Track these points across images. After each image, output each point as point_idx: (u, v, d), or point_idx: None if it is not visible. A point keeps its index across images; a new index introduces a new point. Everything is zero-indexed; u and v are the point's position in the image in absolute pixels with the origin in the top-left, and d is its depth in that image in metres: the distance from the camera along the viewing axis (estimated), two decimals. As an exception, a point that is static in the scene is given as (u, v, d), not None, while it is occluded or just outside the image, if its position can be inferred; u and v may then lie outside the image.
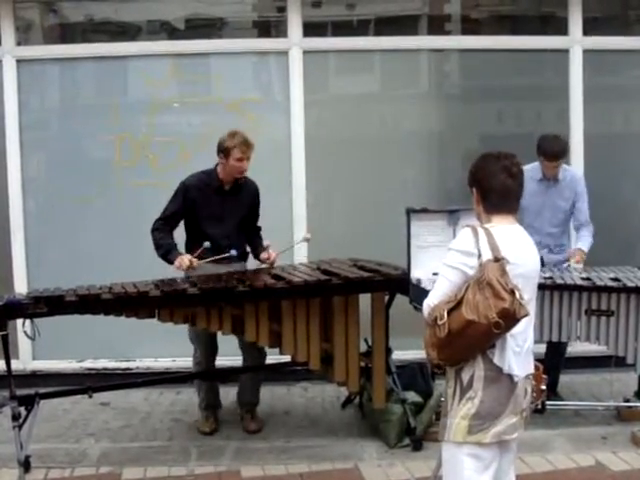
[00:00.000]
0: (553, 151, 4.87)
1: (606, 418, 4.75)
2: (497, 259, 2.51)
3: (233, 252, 4.62)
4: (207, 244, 4.54)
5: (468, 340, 2.51)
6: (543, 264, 4.85)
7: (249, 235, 4.86)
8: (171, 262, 4.53)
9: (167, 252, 4.58)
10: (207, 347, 4.78)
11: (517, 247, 2.63)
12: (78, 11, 5.85)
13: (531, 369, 2.74)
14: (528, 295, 2.63)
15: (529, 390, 2.73)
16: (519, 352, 2.65)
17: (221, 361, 5.05)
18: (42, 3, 5.85)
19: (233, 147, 4.56)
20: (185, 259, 4.48)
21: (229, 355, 5.09)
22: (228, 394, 5.11)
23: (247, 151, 4.59)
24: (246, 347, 4.72)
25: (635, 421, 4.61)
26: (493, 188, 2.67)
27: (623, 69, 5.89)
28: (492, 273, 2.48)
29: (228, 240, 4.66)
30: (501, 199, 2.67)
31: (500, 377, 2.61)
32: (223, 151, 4.60)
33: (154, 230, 4.65)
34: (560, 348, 4.96)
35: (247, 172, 4.70)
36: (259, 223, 4.92)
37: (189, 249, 4.65)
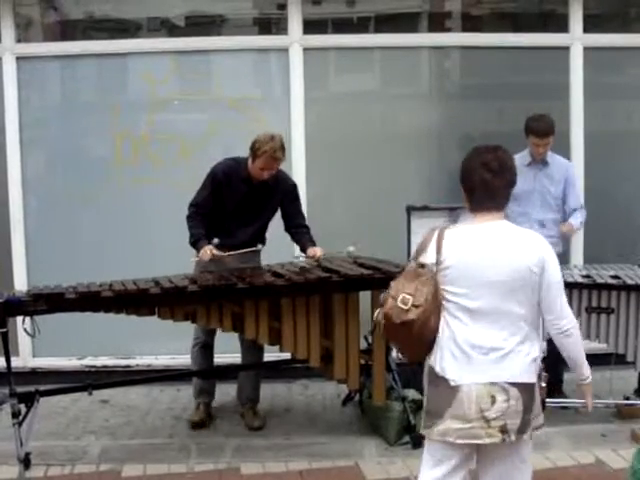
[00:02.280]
0: (541, 128, 4.90)
1: (606, 416, 4.75)
2: (421, 265, 2.67)
3: (260, 246, 4.62)
4: (216, 241, 4.52)
5: (398, 338, 2.75)
6: None
7: (293, 232, 4.83)
8: (198, 251, 4.57)
9: (195, 241, 4.60)
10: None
11: (469, 250, 2.61)
12: (78, 8, 5.85)
13: (502, 377, 2.62)
14: (486, 300, 2.60)
15: (499, 399, 2.61)
16: (463, 358, 2.62)
17: (220, 358, 5.06)
18: (42, 0, 5.84)
19: (261, 155, 4.50)
20: (207, 252, 4.48)
21: (228, 352, 5.10)
22: (229, 392, 5.11)
23: (271, 164, 4.53)
24: (246, 344, 4.72)
25: (635, 419, 4.62)
26: (473, 185, 2.67)
27: (624, 66, 5.88)
28: (399, 277, 2.74)
29: (249, 234, 4.67)
30: (482, 195, 2.65)
31: (437, 378, 2.67)
32: (252, 150, 4.55)
33: (187, 217, 4.67)
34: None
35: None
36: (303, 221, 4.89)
37: (209, 236, 4.63)
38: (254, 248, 4.66)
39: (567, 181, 5.06)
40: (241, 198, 4.66)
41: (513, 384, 2.63)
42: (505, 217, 2.69)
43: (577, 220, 5.09)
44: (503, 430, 2.61)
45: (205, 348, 4.85)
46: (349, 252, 4.70)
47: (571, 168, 5.11)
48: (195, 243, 4.60)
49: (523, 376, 2.64)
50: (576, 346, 2.74)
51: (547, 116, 5.02)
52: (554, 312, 2.66)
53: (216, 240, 4.53)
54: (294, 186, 4.87)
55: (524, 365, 2.64)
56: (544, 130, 4.91)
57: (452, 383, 2.62)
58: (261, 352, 4.80)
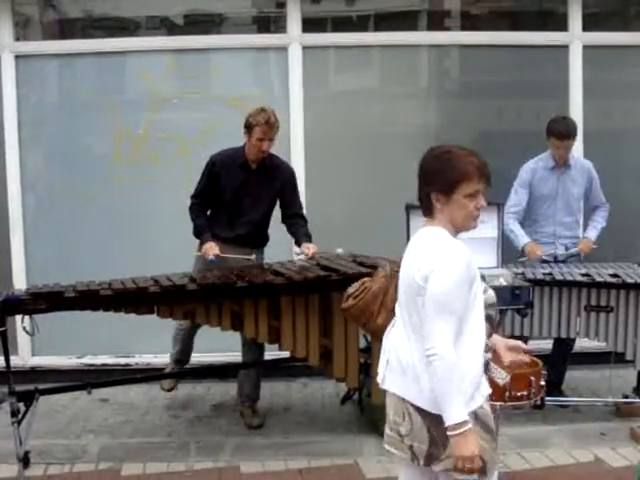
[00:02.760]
0: (563, 130, 4.88)
1: (605, 414, 4.75)
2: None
3: (253, 257, 4.62)
4: (212, 258, 4.51)
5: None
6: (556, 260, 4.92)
7: (289, 223, 4.80)
8: (201, 243, 4.60)
9: (198, 233, 4.65)
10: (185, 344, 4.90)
11: (406, 253, 2.54)
12: (77, 6, 5.84)
13: (408, 396, 2.43)
14: (399, 307, 2.55)
15: (406, 418, 2.43)
16: (388, 365, 2.54)
17: (221, 357, 5.06)
18: (41, -2, 5.84)
19: (255, 125, 4.52)
20: (210, 251, 4.51)
21: (229, 351, 5.10)
22: (228, 391, 5.11)
23: (269, 132, 4.54)
24: (247, 343, 4.72)
25: (634, 417, 4.62)
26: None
27: (623, 65, 5.88)
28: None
29: (248, 226, 4.68)
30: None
31: None
32: (247, 127, 4.56)
33: (189, 209, 4.71)
34: (564, 345, 4.96)
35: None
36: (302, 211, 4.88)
37: (211, 227, 4.67)
38: (247, 257, 4.61)
39: (589, 182, 5.08)
40: (239, 185, 4.65)
41: (416, 408, 2.41)
42: (449, 222, 2.44)
43: (596, 230, 5.11)
44: (412, 451, 2.44)
45: (188, 334, 4.88)
46: (337, 255, 4.69)
47: (592, 168, 5.11)
48: (199, 235, 4.65)
49: (425, 402, 2.38)
50: (438, 380, 2.29)
51: (569, 119, 5.04)
52: (423, 330, 2.35)
53: (212, 257, 4.51)
54: (293, 174, 4.85)
55: (427, 391, 2.36)
56: (565, 132, 4.88)
57: (381, 384, 2.56)
58: (262, 350, 4.80)
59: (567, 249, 5.05)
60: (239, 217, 4.69)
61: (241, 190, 4.66)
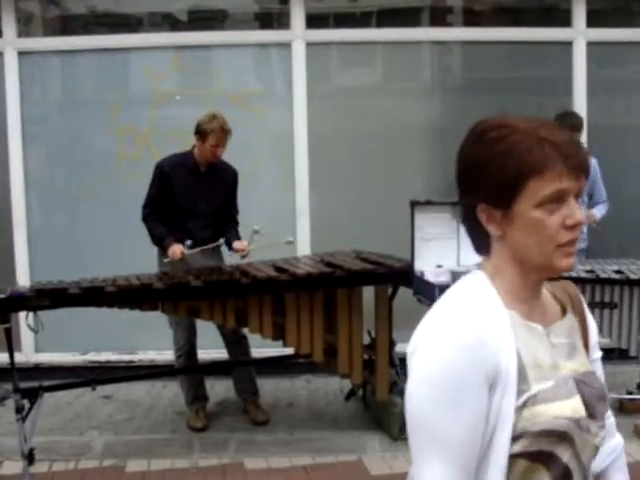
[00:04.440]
0: (569, 124, 4.84)
1: (609, 410, 4.75)
2: None
3: (221, 241, 4.63)
4: (189, 242, 4.51)
5: None
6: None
7: (222, 222, 4.77)
8: (165, 250, 4.53)
9: (160, 240, 4.59)
10: (187, 329, 4.74)
11: None
12: (79, 3, 5.84)
13: None
14: None
15: None
16: None
17: (224, 354, 5.05)
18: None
19: (210, 132, 4.53)
20: (177, 251, 4.48)
21: (213, 348, 5.09)
22: (231, 387, 5.11)
23: (223, 139, 4.56)
24: (227, 339, 4.72)
25: (637, 413, 4.62)
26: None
27: (627, 61, 5.87)
28: None
29: (206, 229, 4.66)
30: None
31: None
32: (200, 133, 4.57)
33: (143, 219, 4.66)
34: None
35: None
36: (245, 214, 4.87)
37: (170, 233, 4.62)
38: (216, 243, 4.62)
39: (591, 178, 5.07)
40: (192, 189, 4.64)
41: None
42: (513, 261, 1.35)
43: (600, 210, 5.25)
44: None
45: (189, 355, 4.81)
46: (254, 230, 4.63)
47: (596, 165, 5.12)
48: (161, 242, 4.58)
49: None
50: None
51: (575, 113, 5.08)
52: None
53: (189, 242, 4.50)
54: (236, 174, 4.84)
55: None
56: (572, 126, 4.85)
57: None
58: (245, 343, 4.77)
59: None
60: (195, 220, 4.66)
61: (194, 194, 4.65)
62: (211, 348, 5.19)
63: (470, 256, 1.44)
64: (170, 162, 4.68)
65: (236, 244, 4.65)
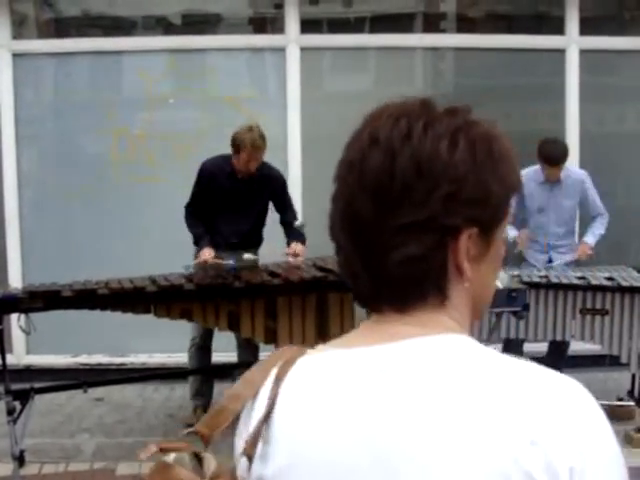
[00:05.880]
0: (553, 156, 4.88)
1: (599, 417, 4.76)
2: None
3: (231, 262, 4.58)
4: (232, 262, 4.48)
5: None
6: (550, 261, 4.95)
7: (284, 229, 4.81)
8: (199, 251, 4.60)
9: (196, 240, 4.66)
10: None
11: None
12: (74, 5, 5.84)
13: None
14: None
15: None
16: None
17: (216, 357, 5.05)
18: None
19: (244, 147, 4.49)
20: (205, 256, 4.50)
21: (224, 351, 5.09)
22: (225, 390, 5.11)
23: (256, 154, 4.53)
24: (242, 344, 4.72)
25: (628, 420, 4.63)
26: None
27: (619, 69, 5.91)
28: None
29: (239, 232, 4.67)
30: None
31: None
32: (234, 146, 4.55)
33: (184, 217, 4.70)
34: (560, 348, 4.98)
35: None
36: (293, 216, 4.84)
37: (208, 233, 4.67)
38: (226, 263, 4.53)
39: (583, 194, 5.05)
40: (226, 194, 4.65)
41: None
42: (468, 308, 0.99)
43: (594, 235, 5.08)
44: None
45: (201, 349, 4.82)
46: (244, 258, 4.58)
47: (587, 179, 5.07)
48: (197, 242, 4.65)
49: None
50: None
51: (560, 142, 5.02)
52: None
53: (231, 262, 4.49)
54: (280, 179, 4.83)
55: None
56: (556, 159, 4.86)
57: None
58: (256, 350, 4.80)
59: (559, 252, 5.06)
60: (230, 225, 4.68)
61: (229, 198, 4.65)
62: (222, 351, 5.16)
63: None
64: (210, 165, 4.68)
65: (292, 247, 4.62)
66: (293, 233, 4.75)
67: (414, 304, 0.93)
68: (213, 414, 1.05)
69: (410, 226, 0.91)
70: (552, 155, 4.87)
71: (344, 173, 1.01)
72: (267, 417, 0.97)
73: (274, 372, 0.99)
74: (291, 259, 4.62)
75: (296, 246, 4.63)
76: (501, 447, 0.83)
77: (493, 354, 0.92)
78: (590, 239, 5.08)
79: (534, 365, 0.94)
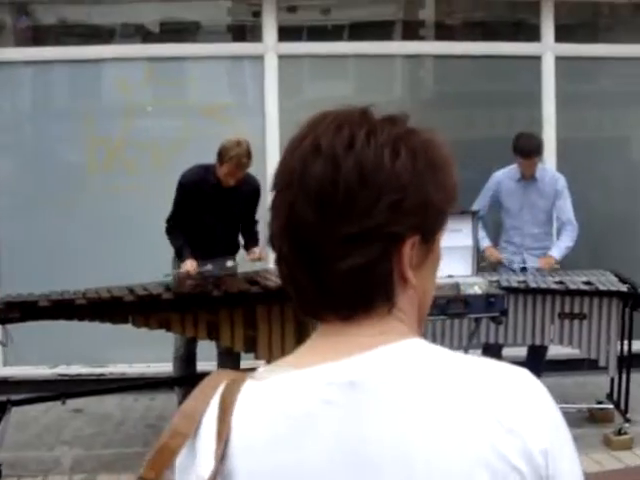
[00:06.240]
0: (528, 149, 4.90)
1: (578, 420, 4.78)
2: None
3: (209, 267, 4.59)
4: (209, 267, 4.52)
5: None
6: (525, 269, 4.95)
7: (244, 227, 4.81)
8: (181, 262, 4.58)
9: (178, 253, 4.63)
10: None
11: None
12: (51, 14, 5.81)
13: None
14: None
15: None
16: None
17: (200, 366, 5.02)
18: (14, 5, 5.79)
19: (228, 160, 4.48)
20: (187, 268, 4.49)
21: (204, 360, 5.06)
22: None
23: (237, 171, 4.51)
24: (223, 352, 4.70)
25: (607, 423, 4.67)
26: None
27: (595, 76, 5.97)
28: None
29: (223, 242, 4.68)
30: None
31: None
32: (219, 156, 4.52)
33: (165, 231, 4.68)
34: (539, 352, 4.99)
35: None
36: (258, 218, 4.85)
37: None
38: (205, 268, 4.57)
39: (557, 192, 5.06)
40: (212, 204, 4.64)
41: None
42: (415, 316, 1.00)
43: (560, 249, 4.98)
44: None
45: (185, 361, 4.79)
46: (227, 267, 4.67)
47: (561, 181, 5.07)
48: (178, 255, 4.62)
49: None
50: None
51: (534, 136, 5.06)
52: None
53: (209, 266, 4.53)
54: (257, 189, 4.80)
55: None
56: (530, 151, 4.89)
57: None
58: (238, 358, 4.77)
59: (535, 255, 5.07)
60: (213, 233, 4.66)
61: (214, 208, 4.64)
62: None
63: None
64: (192, 176, 4.64)
65: (254, 252, 4.68)
66: (254, 233, 4.79)
67: (363, 313, 0.94)
68: (155, 454, 0.97)
69: (355, 236, 0.90)
70: (526, 147, 4.90)
71: (285, 181, 0.97)
72: (223, 453, 0.92)
73: (216, 401, 0.95)
74: (258, 263, 4.66)
75: (257, 249, 4.68)
76: (479, 438, 0.88)
77: (449, 353, 0.95)
78: (555, 252, 4.97)
79: (484, 359, 0.97)
